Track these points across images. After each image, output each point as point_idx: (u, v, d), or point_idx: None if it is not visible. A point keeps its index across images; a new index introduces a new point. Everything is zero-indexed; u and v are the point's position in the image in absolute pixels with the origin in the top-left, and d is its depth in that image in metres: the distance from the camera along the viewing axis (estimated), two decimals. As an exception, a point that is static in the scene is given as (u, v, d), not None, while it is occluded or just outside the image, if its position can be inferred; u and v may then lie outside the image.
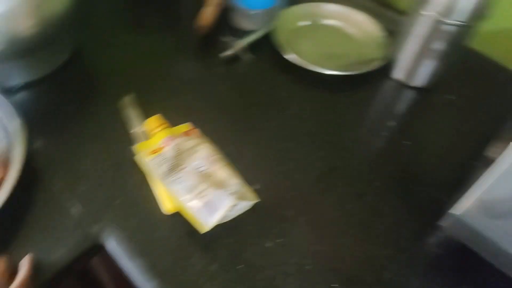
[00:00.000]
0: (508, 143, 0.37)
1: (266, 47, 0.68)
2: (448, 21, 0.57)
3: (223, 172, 0.49)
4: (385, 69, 0.67)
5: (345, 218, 0.50)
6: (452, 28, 0.58)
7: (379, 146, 0.58)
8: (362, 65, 0.65)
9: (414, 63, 0.64)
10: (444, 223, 0.43)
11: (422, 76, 0.65)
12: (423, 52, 0.62)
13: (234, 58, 0.67)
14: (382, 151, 0.58)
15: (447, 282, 0.46)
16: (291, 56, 0.65)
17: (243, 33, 0.69)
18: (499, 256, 0.41)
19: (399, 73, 0.66)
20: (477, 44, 0.71)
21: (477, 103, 0.66)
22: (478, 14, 0.57)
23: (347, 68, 0.65)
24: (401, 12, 0.76)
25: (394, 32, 0.68)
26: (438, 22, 0.58)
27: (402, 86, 0.67)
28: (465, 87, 0.68)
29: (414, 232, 0.49)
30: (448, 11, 0.56)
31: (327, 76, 0.64)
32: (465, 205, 0.41)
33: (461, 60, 0.68)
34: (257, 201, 0.48)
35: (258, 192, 0.50)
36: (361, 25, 0.73)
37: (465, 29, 0.58)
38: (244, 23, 0.70)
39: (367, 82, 0.66)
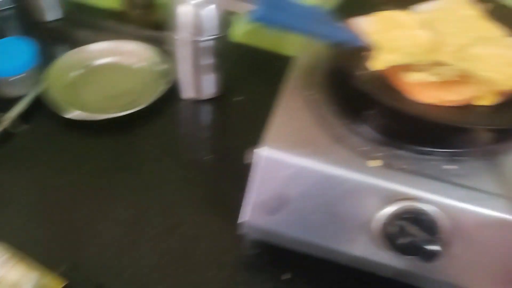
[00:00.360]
0: (256, 148, 0.41)
1: (43, 111, 0.63)
2: (202, 39, 0.61)
3: (15, 272, 0.45)
4: (175, 91, 0.68)
5: (164, 258, 0.50)
6: (209, 43, 0.61)
7: (185, 170, 0.60)
8: (151, 95, 0.65)
9: (195, 80, 0.67)
10: (241, 229, 0.46)
11: (208, 88, 0.68)
12: (197, 68, 0.65)
13: (6, 134, 0.61)
14: (190, 174, 0.59)
15: (269, 276, 0.49)
16: (72, 114, 0.62)
17: (10, 104, 0.63)
18: (296, 243, 0.45)
19: (187, 92, 0.68)
20: (250, 40, 0.77)
21: (262, 96, 0.71)
22: (225, 24, 0.62)
23: (137, 103, 0.64)
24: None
25: (170, 53, 0.69)
26: (195, 42, 0.61)
27: (195, 102, 0.69)
28: (251, 84, 0.73)
29: (231, 244, 0.52)
30: (198, 31, 0.60)
31: (118, 118, 0.63)
32: (246, 210, 0.44)
33: (241, 60, 0.73)
34: (63, 284, 0.45)
35: (66, 272, 0.47)
36: (137, 54, 0.72)
37: (221, 39, 0.63)
38: (7, 92, 0.64)
39: (162, 109, 0.67)
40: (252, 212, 0.44)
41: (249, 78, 0.74)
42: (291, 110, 0.44)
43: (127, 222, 0.53)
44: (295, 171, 0.40)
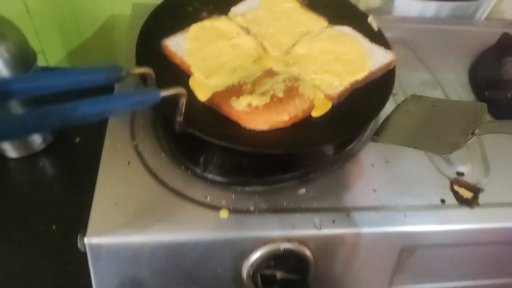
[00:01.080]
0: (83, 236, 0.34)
1: None
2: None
3: None
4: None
5: None
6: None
7: (24, 255, 0.49)
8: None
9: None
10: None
11: (36, 138, 0.56)
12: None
13: None
14: (31, 258, 0.48)
15: None
16: None
17: None
18: None
19: (9, 150, 0.56)
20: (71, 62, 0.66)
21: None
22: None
23: None
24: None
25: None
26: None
27: (25, 159, 0.57)
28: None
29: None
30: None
31: None
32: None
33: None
34: None
35: None
36: None
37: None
38: None
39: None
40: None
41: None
42: (117, 169, 0.37)
43: None
44: (137, 250, 0.34)
